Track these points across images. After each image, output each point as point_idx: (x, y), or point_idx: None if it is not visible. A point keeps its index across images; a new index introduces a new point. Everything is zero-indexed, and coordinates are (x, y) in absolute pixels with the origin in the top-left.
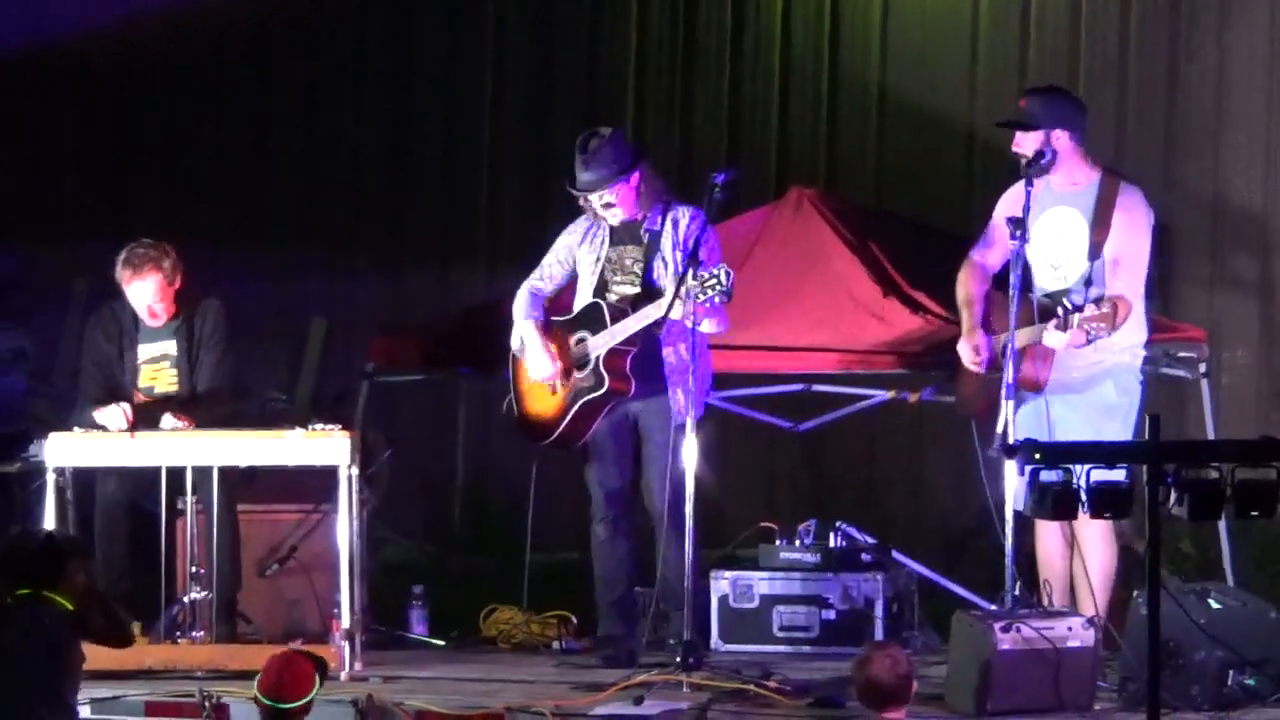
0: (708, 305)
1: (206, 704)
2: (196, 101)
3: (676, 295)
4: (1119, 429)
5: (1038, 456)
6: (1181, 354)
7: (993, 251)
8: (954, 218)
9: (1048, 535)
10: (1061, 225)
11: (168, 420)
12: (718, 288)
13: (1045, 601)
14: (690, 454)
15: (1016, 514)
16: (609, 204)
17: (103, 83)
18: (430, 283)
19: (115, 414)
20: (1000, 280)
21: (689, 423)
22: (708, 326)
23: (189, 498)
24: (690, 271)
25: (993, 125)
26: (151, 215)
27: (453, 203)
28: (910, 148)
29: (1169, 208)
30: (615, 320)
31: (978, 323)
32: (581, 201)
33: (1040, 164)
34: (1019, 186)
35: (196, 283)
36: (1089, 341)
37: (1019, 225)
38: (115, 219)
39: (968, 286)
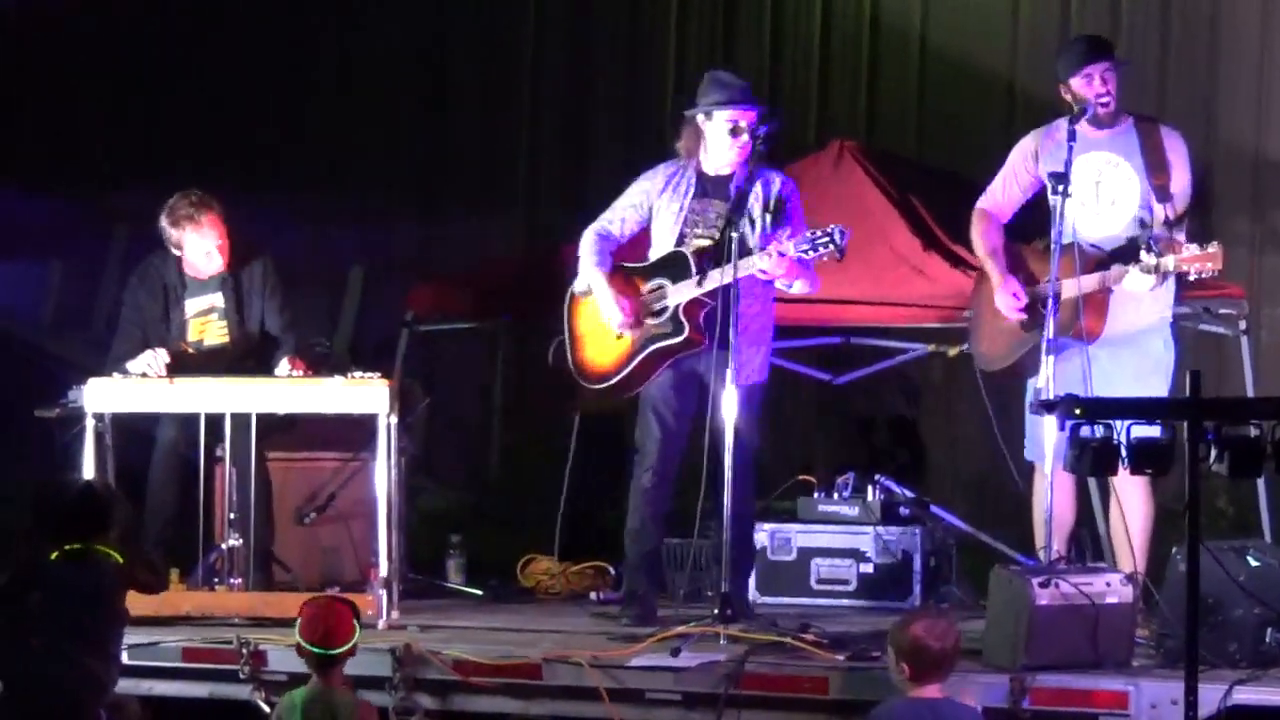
0: (816, 259)
1: (244, 651)
2: (231, 49)
3: (767, 252)
4: (1163, 384)
5: (1078, 412)
6: (1221, 310)
7: (1005, 201)
8: (995, 171)
9: (1064, 495)
10: (1103, 170)
11: (285, 366)
12: (830, 246)
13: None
14: (739, 412)
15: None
16: (739, 130)
17: (137, 31)
18: (469, 230)
19: (153, 358)
20: (1010, 231)
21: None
22: (799, 287)
23: (226, 445)
24: (787, 231)
25: (1035, 77)
26: (188, 163)
27: (492, 148)
28: (951, 100)
29: (1210, 163)
30: (701, 270)
31: (1006, 271)
32: (703, 120)
33: (1102, 110)
34: (1034, 137)
35: (238, 232)
36: (1164, 280)
37: (1061, 179)
38: (153, 167)
39: (986, 239)
